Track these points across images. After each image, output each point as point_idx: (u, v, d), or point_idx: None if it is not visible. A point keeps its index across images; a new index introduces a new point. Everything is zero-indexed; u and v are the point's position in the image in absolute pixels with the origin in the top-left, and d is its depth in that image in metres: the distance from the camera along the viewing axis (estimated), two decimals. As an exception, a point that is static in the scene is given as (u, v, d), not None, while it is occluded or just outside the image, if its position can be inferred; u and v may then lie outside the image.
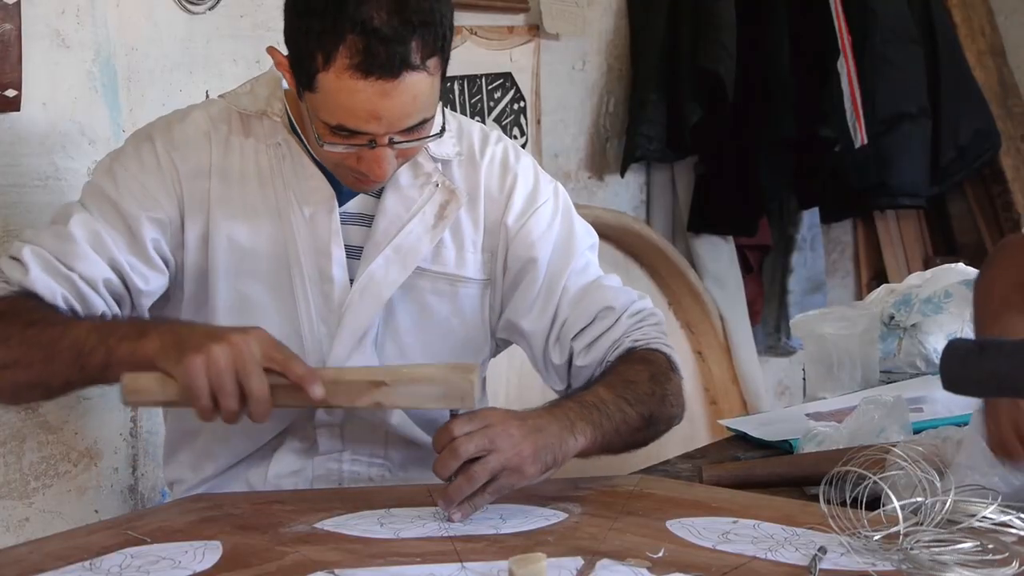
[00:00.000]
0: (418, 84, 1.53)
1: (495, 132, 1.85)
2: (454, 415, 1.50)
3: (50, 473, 2.21)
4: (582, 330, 1.76)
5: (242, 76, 2.42)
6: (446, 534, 1.42)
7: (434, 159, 1.75)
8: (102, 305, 1.65)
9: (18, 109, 2.08)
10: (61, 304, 1.62)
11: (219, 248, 1.70)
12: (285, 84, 1.71)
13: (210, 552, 1.37)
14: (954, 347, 1.52)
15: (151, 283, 1.69)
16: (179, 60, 2.36)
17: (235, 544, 1.40)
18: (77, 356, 1.54)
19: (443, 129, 1.64)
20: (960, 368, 1.50)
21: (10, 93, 2.04)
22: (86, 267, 1.64)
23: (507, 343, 1.86)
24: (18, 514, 2.17)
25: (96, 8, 2.22)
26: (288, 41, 1.59)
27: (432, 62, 1.54)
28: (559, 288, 1.77)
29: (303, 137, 1.72)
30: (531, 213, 1.78)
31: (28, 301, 1.62)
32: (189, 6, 2.36)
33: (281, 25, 1.60)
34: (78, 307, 1.63)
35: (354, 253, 1.72)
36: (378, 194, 1.72)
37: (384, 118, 1.54)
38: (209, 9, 2.39)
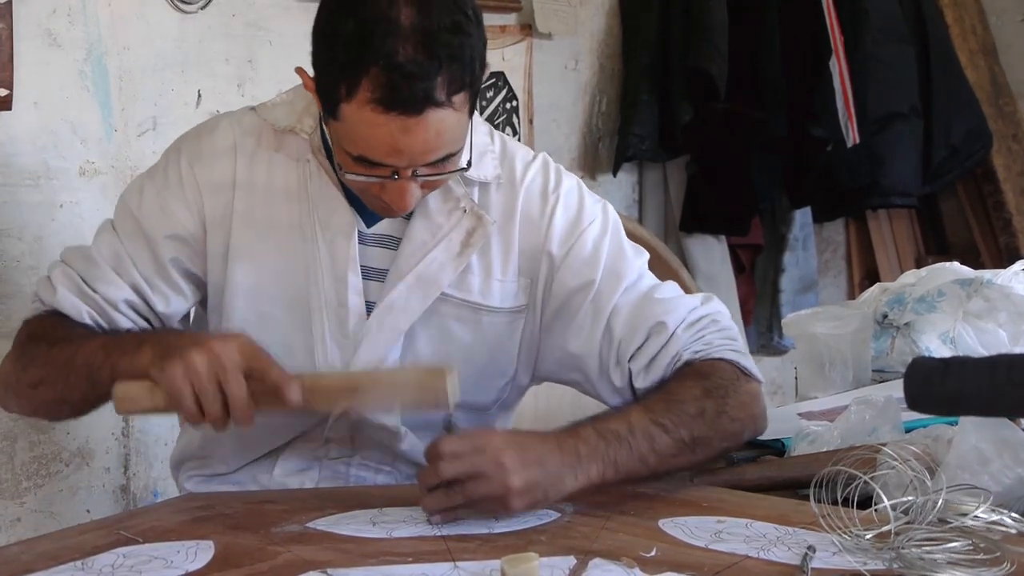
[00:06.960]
0: (443, 120, 1.48)
1: (541, 156, 1.77)
2: (448, 429, 1.49)
3: (42, 473, 2.21)
4: (638, 349, 1.68)
5: (234, 75, 2.44)
6: (439, 533, 1.42)
7: (469, 183, 1.68)
8: (127, 323, 1.68)
9: (9, 108, 2.08)
10: (88, 322, 1.66)
11: (239, 264, 1.68)
12: None
13: (202, 552, 1.37)
14: (918, 365, 1.51)
15: (172, 303, 1.70)
16: (171, 59, 2.36)
17: (227, 544, 1.39)
18: (89, 373, 1.57)
19: (469, 163, 1.58)
20: (924, 386, 1.49)
21: (1, 92, 2.04)
22: (107, 289, 1.67)
23: (555, 376, 1.78)
24: (10, 514, 2.17)
25: (87, 7, 2.22)
26: (314, 65, 1.55)
27: (459, 98, 1.49)
28: (609, 306, 1.69)
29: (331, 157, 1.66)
30: (576, 236, 1.71)
31: (55, 320, 1.67)
32: (181, 5, 2.36)
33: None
34: (104, 325, 1.67)
35: (377, 275, 1.68)
36: (408, 216, 1.66)
37: (406, 152, 1.49)
38: (201, 8, 2.38)
